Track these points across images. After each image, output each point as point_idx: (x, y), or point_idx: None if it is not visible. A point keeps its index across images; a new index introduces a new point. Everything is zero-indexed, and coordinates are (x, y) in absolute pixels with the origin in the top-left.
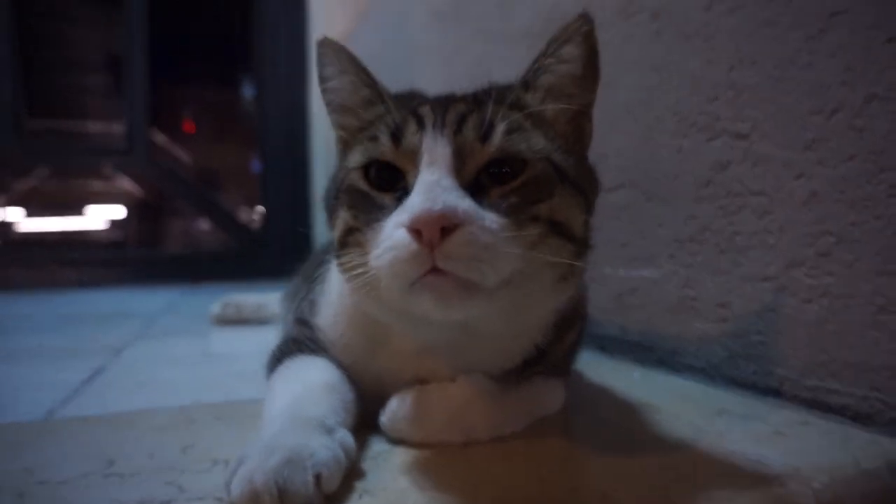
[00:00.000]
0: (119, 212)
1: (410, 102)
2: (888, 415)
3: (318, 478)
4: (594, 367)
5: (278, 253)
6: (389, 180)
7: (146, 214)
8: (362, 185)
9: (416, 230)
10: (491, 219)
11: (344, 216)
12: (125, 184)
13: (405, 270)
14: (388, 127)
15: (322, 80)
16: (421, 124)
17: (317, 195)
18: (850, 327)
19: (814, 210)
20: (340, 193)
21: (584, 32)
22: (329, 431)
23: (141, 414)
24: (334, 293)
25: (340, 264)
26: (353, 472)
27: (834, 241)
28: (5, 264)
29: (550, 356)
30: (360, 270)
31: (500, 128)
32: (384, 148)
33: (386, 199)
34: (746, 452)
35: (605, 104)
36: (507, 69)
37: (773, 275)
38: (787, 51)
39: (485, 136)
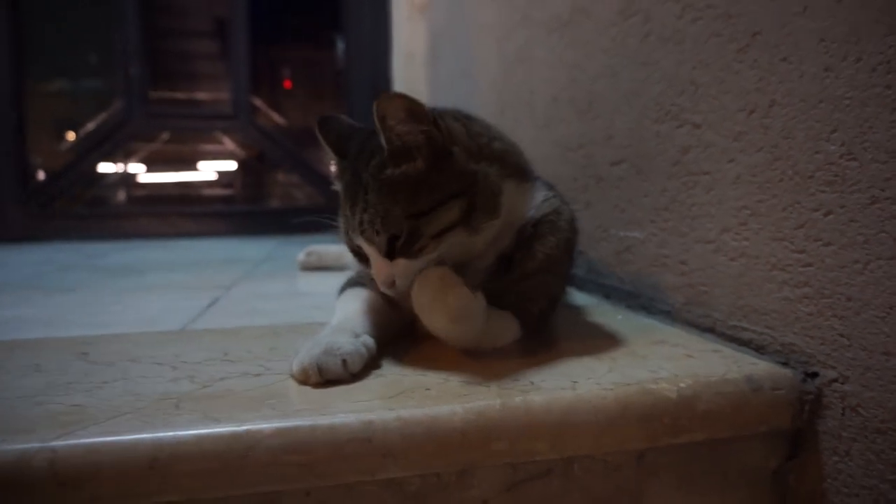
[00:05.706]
0: (230, 166)
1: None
2: (774, 346)
3: (344, 362)
4: (593, 309)
5: None
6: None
7: (252, 172)
8: (353, 251)
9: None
10: (405, 263)
11: (350, 254)
12: (230, 145)
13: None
14: (344, 226)
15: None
16: (354, 231)
17: None
18: (755, 280)
19: (738, 189)
20: (346, 242)
21: (389, 109)
22: (356, 336)
23: (243, 328)
24: None
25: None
26: (374, 364)
27: (749, 213)
28: (136, 216)
29: (521, 267)
30: (363, 270)
31: (379, 225)
32: (349, 240)
33: (364, 262)
34: (654, 367)
35: (611, 92)
36: (543, 53)
37: (712, 238)
38: (726, 59)
39: (378, 232)
